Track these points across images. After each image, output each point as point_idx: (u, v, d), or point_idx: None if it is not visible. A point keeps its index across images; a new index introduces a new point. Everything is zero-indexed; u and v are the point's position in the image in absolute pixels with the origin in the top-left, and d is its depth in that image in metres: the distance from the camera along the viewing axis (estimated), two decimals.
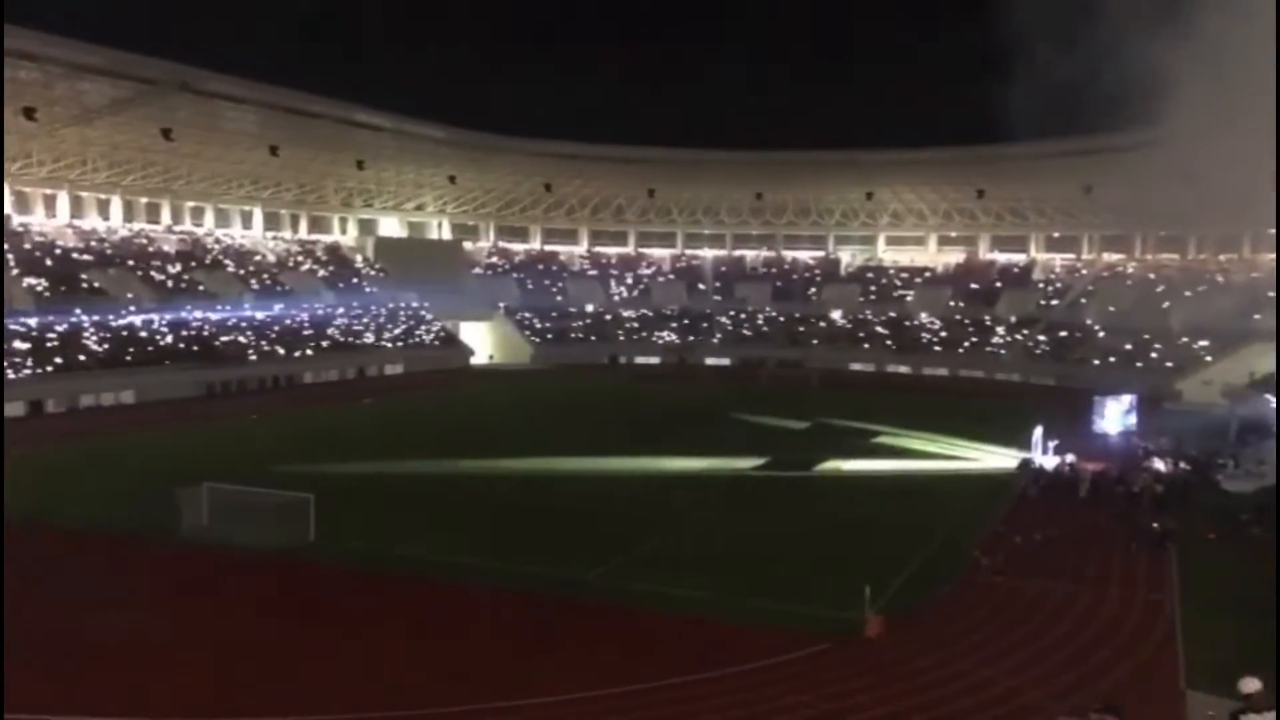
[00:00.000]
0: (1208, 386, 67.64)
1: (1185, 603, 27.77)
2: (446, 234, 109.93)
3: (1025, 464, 47.08)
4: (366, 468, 44.40)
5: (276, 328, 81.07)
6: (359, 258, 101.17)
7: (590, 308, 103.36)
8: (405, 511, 37.10)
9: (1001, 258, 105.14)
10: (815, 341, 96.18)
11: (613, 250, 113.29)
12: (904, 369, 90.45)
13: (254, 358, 75.30)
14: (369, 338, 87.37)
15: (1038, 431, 47.81)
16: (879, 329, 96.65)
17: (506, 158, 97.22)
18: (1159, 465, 44.24)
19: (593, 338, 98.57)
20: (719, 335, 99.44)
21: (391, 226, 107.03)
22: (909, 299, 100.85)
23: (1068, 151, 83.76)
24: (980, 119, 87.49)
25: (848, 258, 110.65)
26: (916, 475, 45.91)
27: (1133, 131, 77.25)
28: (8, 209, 78.24)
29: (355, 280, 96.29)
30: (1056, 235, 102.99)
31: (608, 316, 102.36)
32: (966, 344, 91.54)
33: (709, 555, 31.90)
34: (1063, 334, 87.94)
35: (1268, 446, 46.86)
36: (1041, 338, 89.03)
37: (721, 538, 34.25)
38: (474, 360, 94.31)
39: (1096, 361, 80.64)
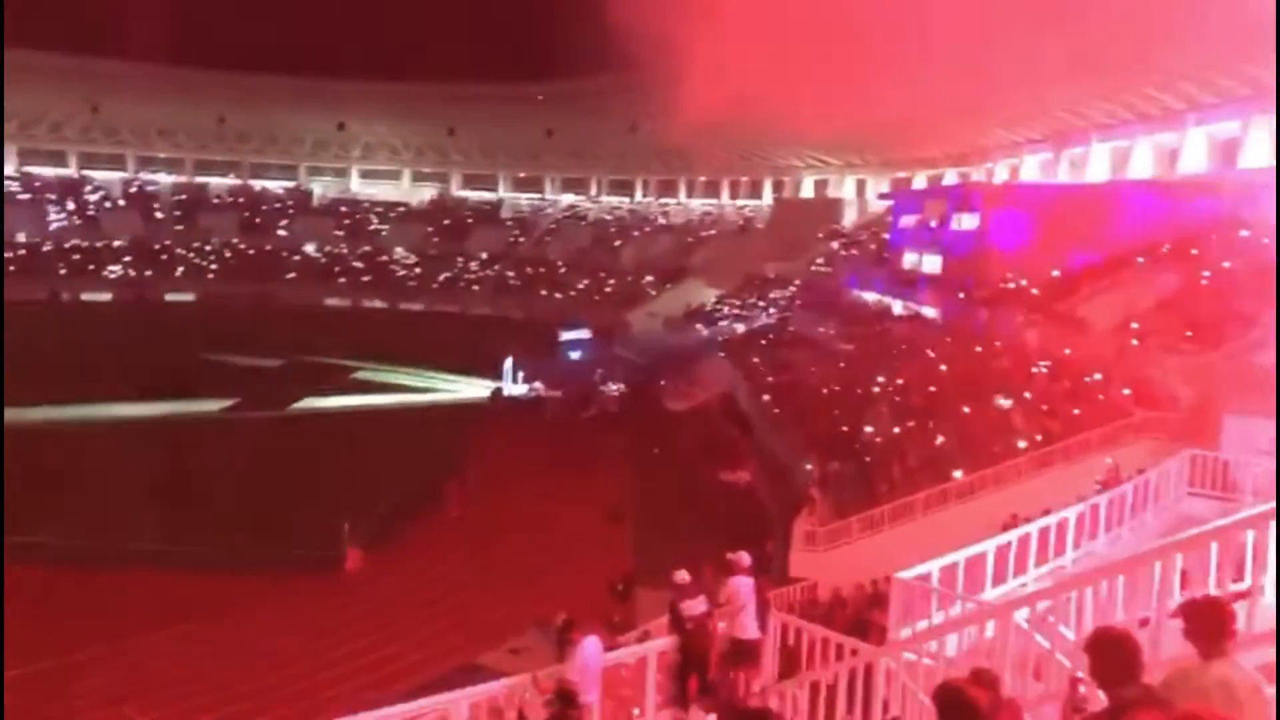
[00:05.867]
0: (652, 318, 75.21)
1: (636, 511, 30.97)
2: None
3: (497, 392, 49.43)
4: None
5: None
6: None
7: (23, 237, 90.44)
8: None
9: (473, 195, 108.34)
10: (289, 276, 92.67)
11: (49, 172, 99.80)
12: (380, 304, 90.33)
13: None
14: None
15: (508, 361, 50.38)
16: (355, 264, 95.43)
17: None
18: (613, 389, 48.66)
19: (27, 272, 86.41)
20: (181, 269, 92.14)
21: None
22: (384, 234, 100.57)
23: (530, 95, 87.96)
24: (452, 56, 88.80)
25: (320, 190, 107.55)
26: (395, 409, 46.33)
27: (591, 79, 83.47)
28: None
29: None
30: (523, 175, 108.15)
31: (46, 247, 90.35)
32: (441, 279, 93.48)
33: (179, 503, 29.75)
34: (529, 270, 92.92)
35: (699, 371, 53.36)
36: (510, 273, 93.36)
37: (192, 484, 32.08)
38: None
39: (560, 295, 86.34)
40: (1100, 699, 4.68)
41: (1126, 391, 25.07)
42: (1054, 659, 7.59)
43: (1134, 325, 28.87)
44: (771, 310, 64.02)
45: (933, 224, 49.75)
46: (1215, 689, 4.34)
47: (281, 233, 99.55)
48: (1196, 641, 4.67)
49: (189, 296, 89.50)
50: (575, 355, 60.68)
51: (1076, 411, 25.20)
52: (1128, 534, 14.60)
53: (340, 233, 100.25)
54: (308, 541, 26.16)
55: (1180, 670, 4.71)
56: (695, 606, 10.34)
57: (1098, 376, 26.76)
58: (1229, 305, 26.12)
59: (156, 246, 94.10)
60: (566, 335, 62.12)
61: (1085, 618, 7.87)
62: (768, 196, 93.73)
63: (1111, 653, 4.47)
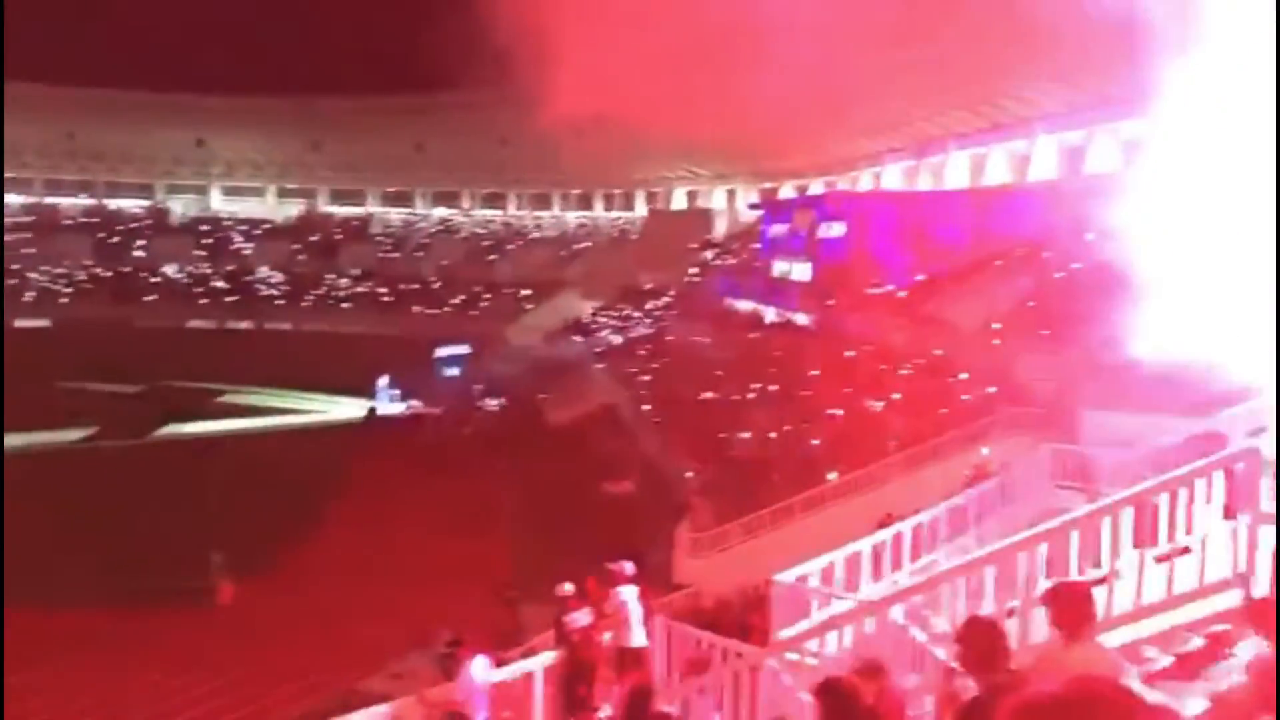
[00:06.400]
0: (530, 331, 74.84)
1: (519, 526, 30.75)
2: None
3: (372, 412, 48.52)
4: None
5: None
6: None
7: None
8: None
9: (341, 211, 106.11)
10: (148, 298, 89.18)
11: None
12: (247, 324, 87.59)
13: None
14: None
15: (383, 380, 49.49)
16: (218, 284, 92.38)
17: None
18: (492, 404, 48.27)
19: None
20: (32, 294, 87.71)
21: None
22: (248, 252, 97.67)
23: (400, 108, 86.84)
24: (316, 69, 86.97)
25: (179, 208, 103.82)
26: (265, 433, 45.01)
27: (460, 91, 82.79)
28: None
29: None
30: (392, 190, 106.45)
31: None
32: (310, 297, 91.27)
33: (40, 538, 28.19)
34: (402, 285, 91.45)
35: (579, 383, 53.35)
36: (382, 290, 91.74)
37: (52, 518, 30.48)
38: None
39: (434, 311, 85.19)
40: (972, 687, 4.86)
41: (991, 390, 26.05)
42: (929, 651, 7.82)
43: (995, 326, 30.05)
44: (649, 321, 64.44)
45: (802, 233, 50.86)
46: (1078, 670, 4.54)
47: (139, 253, 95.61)
48: (1060, 626, 4.89)
49: (42, 322, 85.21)
50: (452, 371, 59.94)
51: (944, 411, 26.07)
52: (996, 527, 15.15)
53: (202, 252, 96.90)
54: (177, 574, 25.17)
55: (1045, 654, 4.92)
56: (581, 618, 10.34)
57: (964, 376, 27.75)
58: (1081, 305, 27.40)
59: (5, 271, 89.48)
60: (443, 351, 61.33)
61: (958, 609, 8.14)
62: (641, 208, 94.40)
63: (979, 641, 4.64)
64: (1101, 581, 7.81)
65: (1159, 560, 8.09)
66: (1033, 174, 46.44)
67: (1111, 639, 6.52)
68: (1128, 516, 8.40)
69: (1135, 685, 4.60)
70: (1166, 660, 6.82)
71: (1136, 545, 8.24)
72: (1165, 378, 17.19)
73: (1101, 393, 19.85)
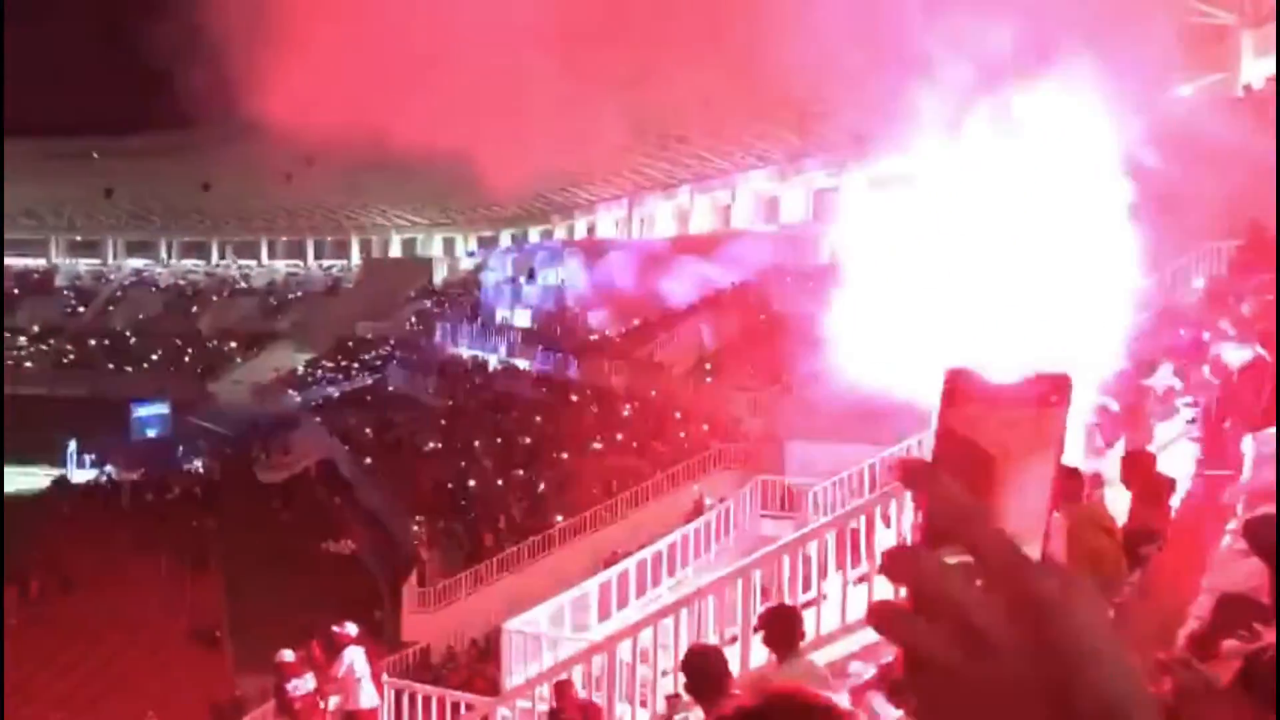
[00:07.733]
0: (238, 386, 70.96)
1: (235, 595, 29.00)
2: None
3: (60, 481, 44.39)
4: None
5: None
6: None
7: None
8: None
9: (18, 262, 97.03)
10: None
11: None
12: None
13: None
14: None
15: (72, 445, 45.55)
16: None
17: None
18: (198, 465, 45.42)
19: None
20: None
21: None
22: None
23: (85, 151, 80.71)
24: None
25: None
26: None
27: (155, 135, 77.96)
28: None
29: None
30: (79, 239, 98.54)
31: None
32: None
33: None
34: (92, 342, 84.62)
35: (294, 439, 51.13)
36: (69, 346, 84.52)
37: None
38: None
39: (130, 369, 79.27)
40: (700, 714, 5.09)
41: (705, 427, 27.24)
42: (657, 683, 8.08)
43: (706, 366, 31.54)
44: (367, 371, 62.85)
45: (521, 280, 51.39)
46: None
47: None
48: (773, 646, 5.22)
49: None
50: (152, 432, 56.00)
51: (662, 449, 27.01)
52: (714, 558, 15.83)
53: None
54: None
55: (759, 674, 5.24)
56: (303, 685, 9.93)
57: (678, 415, 28.89)
58: (782, 344, 29.23)
59: None
60: (140, 411, 57.17)
61: (682, 640, 8.46)
62: (355, 256, 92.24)
63: (700, 667, 4.87)
64: (811, 603, 8.36)
65: (860, 580, 8.76)
66: (734, 222, 49.27)
67: (822, 656, 6.99)
68: (831, 541, 9.04)
69: (838, 695, 4.99)
70: (870, 672, 7.39)
71: (839, 567, 8.88)
72: (858, 410, 18.63)
73: (803, 425, 21.19)
